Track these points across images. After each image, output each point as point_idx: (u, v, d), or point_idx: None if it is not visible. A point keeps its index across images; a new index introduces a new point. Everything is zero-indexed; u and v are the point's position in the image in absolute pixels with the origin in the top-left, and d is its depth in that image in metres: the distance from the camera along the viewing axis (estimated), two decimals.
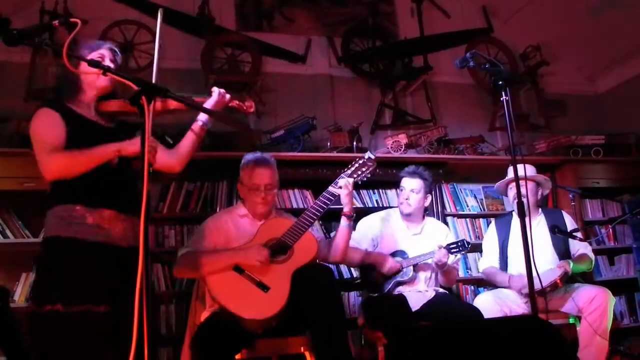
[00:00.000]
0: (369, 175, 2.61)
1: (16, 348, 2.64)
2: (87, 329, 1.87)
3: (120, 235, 2.01)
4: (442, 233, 3.26)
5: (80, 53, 2.02)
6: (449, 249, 2.97)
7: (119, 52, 2.21)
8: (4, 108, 3.76)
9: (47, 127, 1.99)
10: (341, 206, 2.67)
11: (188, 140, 2.27)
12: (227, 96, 2.28)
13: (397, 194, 3.53)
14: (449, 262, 3.00)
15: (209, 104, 2.23)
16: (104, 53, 2.12)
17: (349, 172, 2.62)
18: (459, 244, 2.99)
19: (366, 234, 3.16)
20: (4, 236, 3.42)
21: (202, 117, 2.26)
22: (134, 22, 4.29)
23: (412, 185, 3.16)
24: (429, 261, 3.02)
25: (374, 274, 3.08)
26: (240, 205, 2.77)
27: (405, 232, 3.19)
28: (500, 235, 3.38)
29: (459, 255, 3.15)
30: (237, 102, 2.35)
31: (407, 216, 3.21)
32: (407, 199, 3.16)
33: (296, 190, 4.00)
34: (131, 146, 1.96)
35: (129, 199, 2.03)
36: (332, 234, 3.88)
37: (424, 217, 3.30)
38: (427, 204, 3.25)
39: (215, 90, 2.26)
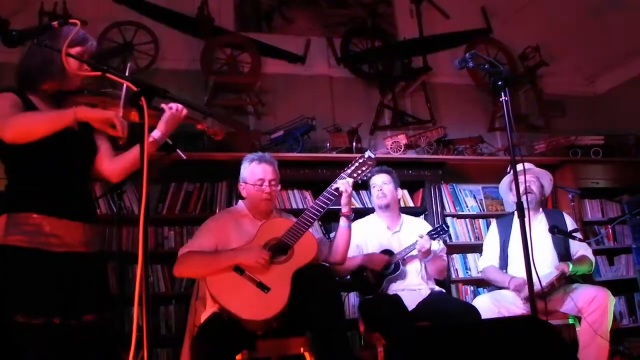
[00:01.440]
0: (369, 175, 2.62)
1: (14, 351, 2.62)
2: (49, 341, 1.79)
3: (77, 242, 1.92)
4: (421, 226, 3.31)
5: (63, 39, 1.88)
6: (430, 235, 3.02)
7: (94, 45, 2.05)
8: None
9: (4, 100, 1.88)
10: (341, 206, 2.67)
11: (131, 156, 2.07)
12: (184, 112, 2.05)
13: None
14: (433, 248, 3.05)
15: (161, 122, 2.03)
16: (85, 50, 1.98)
17: (349, 171, 2.62)
18: (439, 228, 3.07)
19: (351, 242, 3.17)
20: None
21: (155, 134, 2.03)
22: (134, 23, 4.29)
23: (382, 179, 3.25)
24: (414, 252, 3.05)
25: (365, 276, 3.10)
26: (241, 205, 2.77)
27: (386, 232, 3.25)
28: (501, 235, 3.38)
29: (441, 243, 3.22)
30: (201, 126, 2.16)
31: (385, 209, 3.25)
32: (380, 190, 3.23)
33: (295, 191, 4.00)
34: (91, 112, 1.82)
35: (83, 207, 1.98)
36: (332, 235, 3.89)
37: (399, 214, 3.34)
38: (399, 196, 3.34)
39: (167, 107, 2.03)
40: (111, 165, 2.09)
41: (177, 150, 2.36)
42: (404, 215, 3.38)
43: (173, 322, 3.59)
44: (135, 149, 2.04)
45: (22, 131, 1.80)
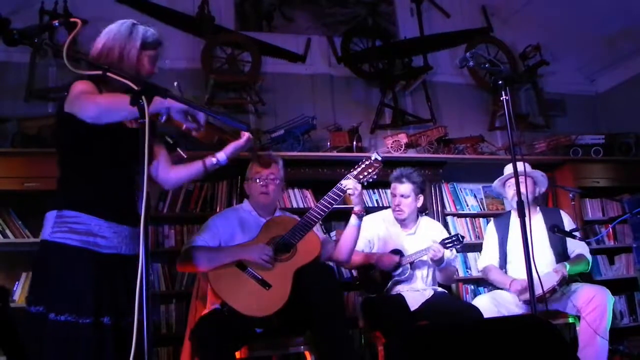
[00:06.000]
0: (375, 177, 2.59)
1: (16, 348, 2.64)
2: (87, 340, 1.79)
3: (124, 244, 1.95)
4: (436, 231, 3.25)
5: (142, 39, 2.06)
6: (443, 243, 2.97)
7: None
8: (4, 108, 3.76)
9: (86, 84, 1.90)
10: (343, 207, 2.67)
11: (193, 170, 2.25)
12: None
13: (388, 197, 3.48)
14: (445, 257, 3.01)
15: (230, 147, 2.30)
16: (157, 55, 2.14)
17: (355, 173, 2.59)
18: (454, 238, 2.99)
19: (362, 236, 3.15)
20: (4, 236, 3.42)
21: (221, 156, 2.27)
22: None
23: (401, 191, 3.15)
24: (425, 257, 3.02)
25: (372, 274, 3.08)
26: (246, 203, 2.79)
27: (399, 233, 3.20)
28: (499, 234, 3.38)
29: (454, 251, 3.17)
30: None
31: (402, 221, 3.21)
32: (398, 205, 3.14)
33: (296, 190, 4.00)
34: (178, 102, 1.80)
35: (130, 211, 1.99)
36: (332, 234, 3.89)
37: (417, 217, 3.28)
38: (419, 204, 3.22)
39: (246, 135, 2.29)
40: (168, 174, 2.21)
41: (178, 149, 2.37)
42: (421, 218, 3.31)
43: (173, 321, 3.59)
44: (197, 165, 2.25)
45: (105, 108, 1.77)
